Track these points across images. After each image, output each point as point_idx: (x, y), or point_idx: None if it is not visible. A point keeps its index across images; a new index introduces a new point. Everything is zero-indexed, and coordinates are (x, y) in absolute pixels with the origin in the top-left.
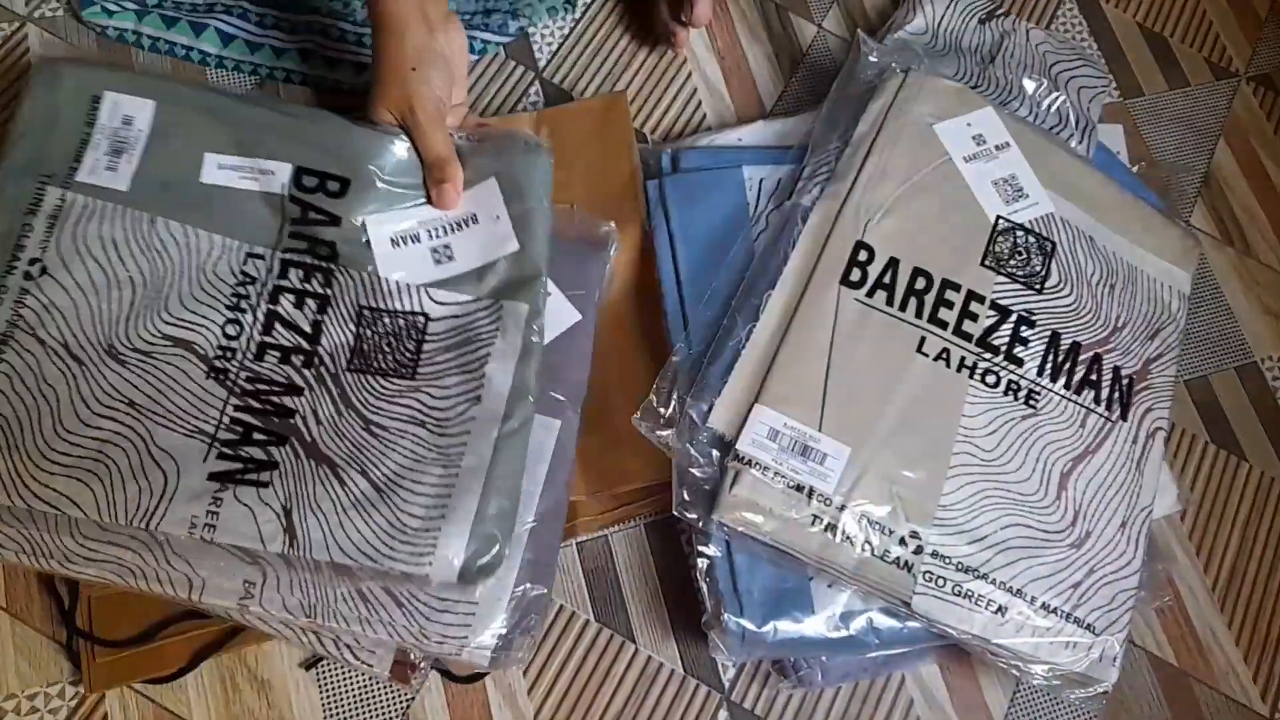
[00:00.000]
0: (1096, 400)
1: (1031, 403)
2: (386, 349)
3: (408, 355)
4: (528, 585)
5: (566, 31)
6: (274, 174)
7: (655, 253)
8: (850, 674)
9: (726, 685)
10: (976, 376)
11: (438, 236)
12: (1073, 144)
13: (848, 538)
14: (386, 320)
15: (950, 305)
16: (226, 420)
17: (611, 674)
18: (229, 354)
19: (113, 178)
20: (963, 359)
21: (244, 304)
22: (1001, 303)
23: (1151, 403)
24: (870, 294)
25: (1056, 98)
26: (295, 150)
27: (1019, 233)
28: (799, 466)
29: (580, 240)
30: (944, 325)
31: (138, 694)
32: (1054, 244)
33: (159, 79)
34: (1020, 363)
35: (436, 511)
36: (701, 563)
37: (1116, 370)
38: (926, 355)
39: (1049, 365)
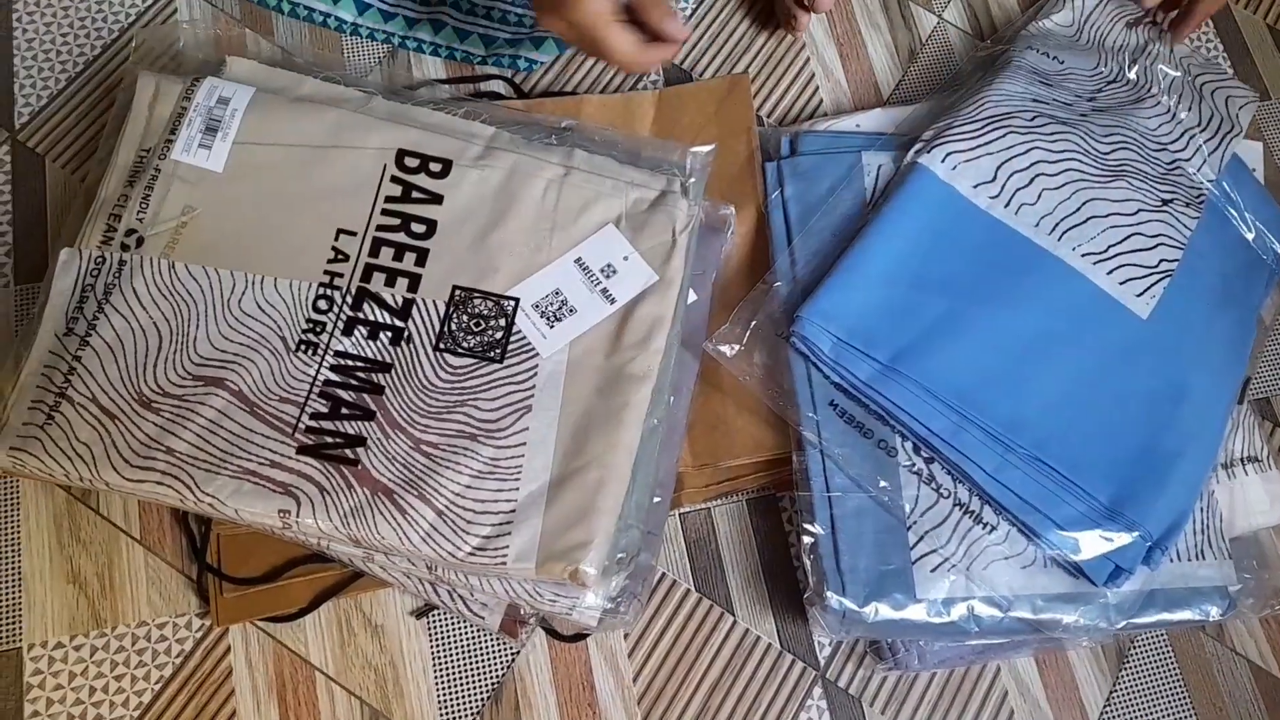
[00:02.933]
0: None
1: None
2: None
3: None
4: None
5: (688, 13)
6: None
7: (770, 233)
8: (947, 660)
9: (822, 663)
10: None
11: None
12: (1205, 149)
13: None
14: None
15: None
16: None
17: (709, 644)
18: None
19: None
20: None
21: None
22: None
23: None
24: None
25: (1194, 101)
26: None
27: None
28: None
29: (700, 224)
30: None
31: (260, 630)
32: None
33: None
34: None
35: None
36: (805, 540)
37: None
38: None
39: None
